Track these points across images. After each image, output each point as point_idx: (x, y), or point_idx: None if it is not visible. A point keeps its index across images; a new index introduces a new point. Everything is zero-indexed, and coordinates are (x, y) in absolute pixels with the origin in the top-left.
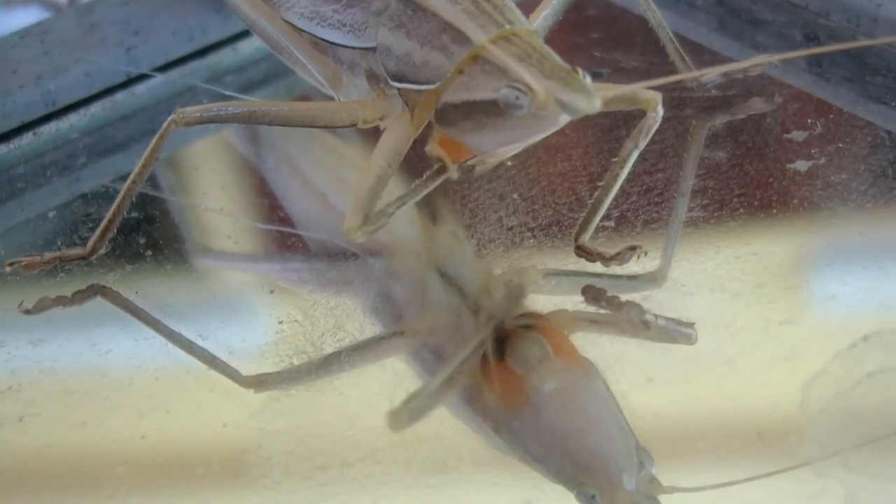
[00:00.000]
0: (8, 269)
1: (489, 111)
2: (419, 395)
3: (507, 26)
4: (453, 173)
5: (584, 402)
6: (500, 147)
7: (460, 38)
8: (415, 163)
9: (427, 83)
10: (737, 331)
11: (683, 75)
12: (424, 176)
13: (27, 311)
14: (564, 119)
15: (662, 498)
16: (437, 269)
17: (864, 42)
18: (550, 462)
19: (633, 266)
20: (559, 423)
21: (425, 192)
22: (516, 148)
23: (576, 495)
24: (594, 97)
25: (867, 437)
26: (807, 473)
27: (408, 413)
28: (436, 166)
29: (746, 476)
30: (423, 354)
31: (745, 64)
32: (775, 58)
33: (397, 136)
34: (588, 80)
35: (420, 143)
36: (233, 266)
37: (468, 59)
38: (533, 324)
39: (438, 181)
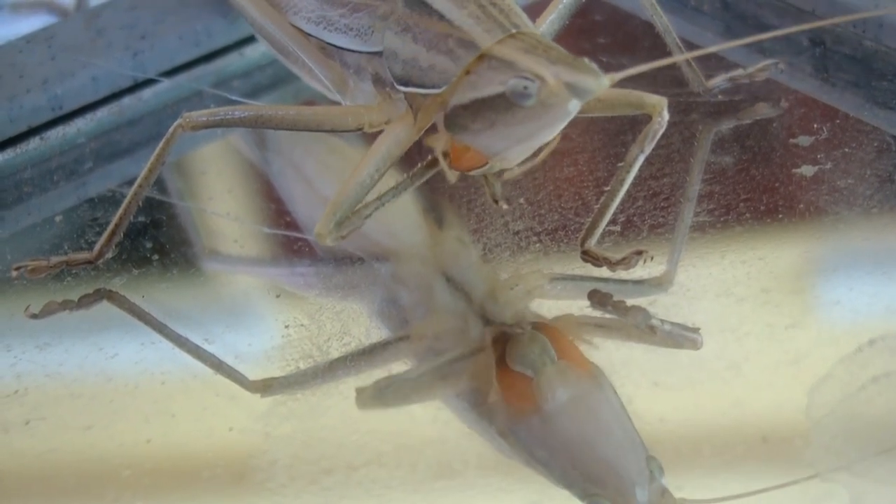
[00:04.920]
0: (14, 273)
1: (498, 107)
2: (395, 382)
3: (514, 30)
4: (450, 174)
5: (593, 410)
6: (512, 146)
7: (466, 42)
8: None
9: (433, 87)
10: (742, 335)
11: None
12: (410, 173)
13: (33, 316)
14: (575, 105)
15: None
16: (443, 273)
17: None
18: (560, 471)
19: (639, 271)
20: (569, 431)
21: (409, 188)
22: (528, 150)
23: None
24: (602, 77)
25: (872, 442)
26: (812, 477)
27: (376, 394)
28: (423, 162)
29: (757, 484)
30: (429, 359)
31: (751, 69)
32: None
33: (396, 138)
34: (595, 66)
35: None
36: (239, 270)
37: (474, 60)
38: (537, 327)
39: (425, 177)
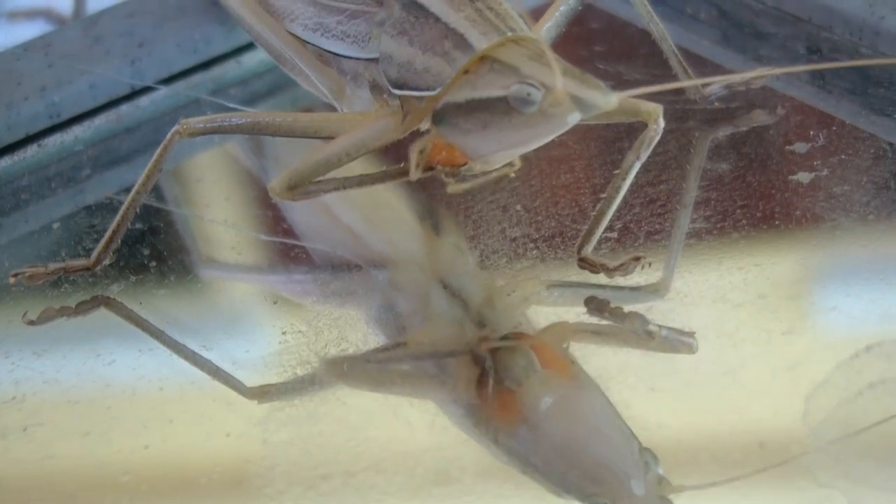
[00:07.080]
0: (12, 280)
1: (496, 110)
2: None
3: (510, 33)
4: (413, 175)
5: (579, 412)
6: (499, 151)
7: (462, 44)
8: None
9: (427, 89)
10: (739, 341)
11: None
12: (381, 169)
13: (31, 322)
14: (574, 118)
15: (674, 497)
16: (439, 280)
17: (865, 61)
18: (557, 476)
19: (636, 277)
20: (559, 436)
21: (371, 184)
22: (512, 154)
23: None
24: (610, 94)
25: (869, 448)
26: (810, 483)
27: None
28: (399, 165)
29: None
30: (426, 365)
31: (749, 75)
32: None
33: (377, 130)
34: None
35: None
36: (236, 277)
37: (474, 60)
38: (523, 339)
39: (393, 180)
